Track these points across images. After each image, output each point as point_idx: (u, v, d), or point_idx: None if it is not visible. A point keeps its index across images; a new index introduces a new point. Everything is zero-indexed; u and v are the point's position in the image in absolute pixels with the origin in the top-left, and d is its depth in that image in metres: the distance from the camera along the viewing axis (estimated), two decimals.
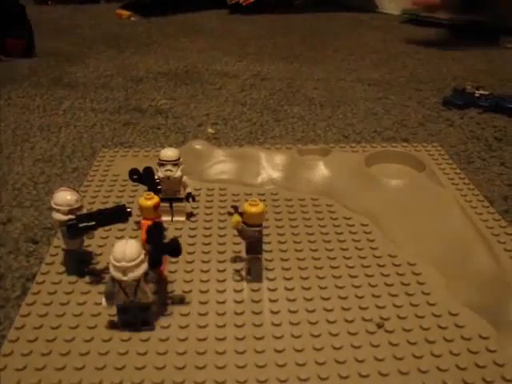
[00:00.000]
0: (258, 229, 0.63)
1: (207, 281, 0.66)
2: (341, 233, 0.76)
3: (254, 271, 0.66)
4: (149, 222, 0.63)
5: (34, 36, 1.72)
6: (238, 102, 1.31)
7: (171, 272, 0.68)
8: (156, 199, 0.65)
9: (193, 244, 0.74)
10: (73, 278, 0.66)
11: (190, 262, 0.70)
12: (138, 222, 0.77)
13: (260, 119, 1.20)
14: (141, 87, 1.43)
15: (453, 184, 0.88)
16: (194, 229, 0.77)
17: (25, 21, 1.67)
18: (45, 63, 1.64)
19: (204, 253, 0.72)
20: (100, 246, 0.73)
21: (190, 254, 0.72)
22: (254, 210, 0.61)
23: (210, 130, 1.11)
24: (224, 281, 0.66)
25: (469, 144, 1.07)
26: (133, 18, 2.30)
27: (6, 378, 0.52)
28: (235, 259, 0.70)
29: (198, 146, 0.96)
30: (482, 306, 0.60)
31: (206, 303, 0.62)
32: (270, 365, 0.54)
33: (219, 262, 0.70)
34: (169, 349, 0.56)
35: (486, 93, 1.25)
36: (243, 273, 0.67)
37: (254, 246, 0.64)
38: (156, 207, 0.65)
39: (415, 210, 0.73)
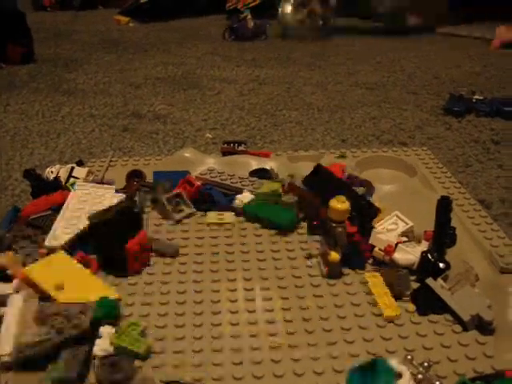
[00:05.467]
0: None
1: (218, 280, 0.68)
2: None
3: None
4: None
5: (33, 42, 1.72)
6: (236, 106, 1.31)
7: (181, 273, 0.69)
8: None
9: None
10: None
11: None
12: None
13: (258, 124, 1.20)
14: (139, 93, 1.43)
15: (444, 188, 0.88)
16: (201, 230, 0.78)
17: (24, 28, 1.68)
18: (44, 69, 1.64)
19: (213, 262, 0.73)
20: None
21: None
22: (339, 206, 0.64)
23: (208, 135, 1.11)
24: (234, 280, 0.68)
25: (466, 147, 1.07)
26: (131, 24, 2.31)
27: None
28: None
29: (187, 155, 0.96)
30: None
31: (218, 302, 0.64)
32: (285, 360, 0.55)
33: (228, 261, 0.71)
34: (185, 348, 0.57)
35: (481, 97, 1.26)
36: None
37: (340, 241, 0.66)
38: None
39: (409, 215, 0.73)
